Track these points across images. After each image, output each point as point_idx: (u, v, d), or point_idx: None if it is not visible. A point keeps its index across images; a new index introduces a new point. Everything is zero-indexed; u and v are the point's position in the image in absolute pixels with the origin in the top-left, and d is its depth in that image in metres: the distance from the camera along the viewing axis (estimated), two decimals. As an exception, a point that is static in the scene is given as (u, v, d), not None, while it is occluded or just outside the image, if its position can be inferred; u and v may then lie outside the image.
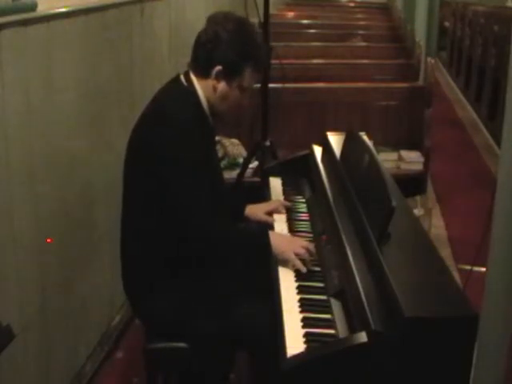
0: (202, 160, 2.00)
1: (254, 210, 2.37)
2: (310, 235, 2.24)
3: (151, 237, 2.02)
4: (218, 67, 2.00)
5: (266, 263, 2.09)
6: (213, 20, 2.05)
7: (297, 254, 2.00)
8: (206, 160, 2.04)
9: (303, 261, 2.00)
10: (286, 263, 2.01)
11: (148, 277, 2.07)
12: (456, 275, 3.28)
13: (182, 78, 2.09)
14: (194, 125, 2.00)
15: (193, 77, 2.06)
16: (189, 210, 1.98)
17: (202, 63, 2.04)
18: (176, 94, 2.07)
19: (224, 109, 2.10)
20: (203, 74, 2.04)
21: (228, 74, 2.02)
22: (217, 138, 3.79)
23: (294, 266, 1.99)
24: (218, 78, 2.02)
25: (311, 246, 2.05)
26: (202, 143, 2.01)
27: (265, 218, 2.34)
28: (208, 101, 2.06)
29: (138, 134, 2.07)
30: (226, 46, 1.99)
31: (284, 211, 2.38)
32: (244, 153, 3.79)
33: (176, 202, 1.97)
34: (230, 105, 2.09)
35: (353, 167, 2.20)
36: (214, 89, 2.03)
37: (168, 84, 2.13)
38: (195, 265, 2.06)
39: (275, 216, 2.35)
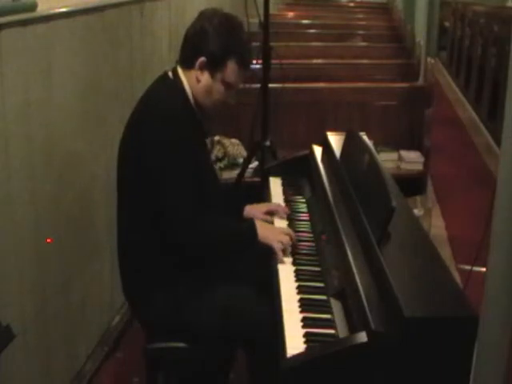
0: (190, 156, 2.00)
1: (252, 211, 2.35)
2: (310, 235, 2.24)
3: (148, 238, 2.02)
4: (202, 58, 2.03)
5: (266, 263, 2.09)
6: (201, 15, 2.10)
7: (280, 242, 2.06)
8: (194, 155, 2.03)
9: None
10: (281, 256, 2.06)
11: (147, 278, 2.06)
12: (456, 275, 3.28)
13: (170, 73, 2.11)
14: (182, 119, 2.01)
15: (179, 70, 2.09)
16: (174, 208, 1.98)
17: (187, 55, 2.07)
18: (163, 89, 2.09)
19: (208, 104, 2.10)
20: (188, 65, 2.07)
21: (211, 66, 2.04)
22: (217, 137, 3.80)
23: (276, 253, 2.05)
24: (201, 68, 2.04)
25: (292, 233, 2.13)
26: (190, 138, 2.01)
27: (263, 217, 2.32)
28: (192, 92, 2.07)
29: (127, 135, 2.07)
30: (210, 38, 2.02)
31: (284, 216, 2.34)
32: (244, 153, 3.79)
33: (162, 200, 1.98)
34: (214, 100, 2.09)
35: (353, 167, 2.20)
36: (198, 80, 2.06)
37: (156, 81, 2.15)
38: (194, 265, 2.06)
39: (276, 220, 2.32)
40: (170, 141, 1.96)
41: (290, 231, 2.15)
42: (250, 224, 2.11)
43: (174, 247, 2.00)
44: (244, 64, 2.09)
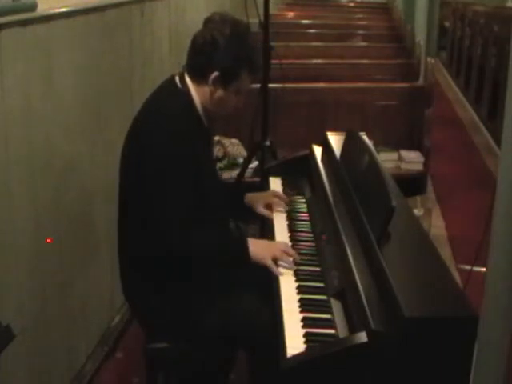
0: (191, 161, 1.97)
1: (253, 200, 2.37)
2: (310, 235, 2.24)
3: (147, 239, 2.01)
4: (215, 73, 1.99)
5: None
6: (209, 23, 2.04)
7: (275, 259, 2.01)
8: (198, 161, 2.01)
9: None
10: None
11: (147, 279, 2.06)
12: (456, 275, 3.28)
13: (177, 79, 2.07)
14: (185, 124, 1.99)
15: (188, 80, 2.05)
16: (168, 215, 1.95)
17: (198, 68, 2.03)
18: (168, 94, 2.06)
19: (220, 113, 2.10)
20: (200, 79, 2.03)
21: (225, 80, 2.01)
22: (217, 137, 3.80)
23: (273, 271, 1.99)
24: (215, 84, 2.01)
25: (289, 248, 2.06)
26: (193, 144, 1.99)
27: (263, 211, 2.36)
28: (203, 105, 2.05)
29: (129, 141, 2.06)
30: (222, 51, 1.98)
31: (283, 208, 2.39)
32: (244, 153, 3.79)
33: (153, 211, 1.96)
34: (226, 109, 2.09)
35: (353, 167, 2.20)
36: (211, 95, 2.03)
37: (162, 85, 2.12)
38: (194, 266, 2.05)
39: (275, 215, 2.35)
40: (170, 147, 1.94)
41: (285, 246, 2.07)
42: (242, 245, 2.04)
43: (159, 252, 1.99)
44: (256, 70, 2.08)
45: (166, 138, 1.95)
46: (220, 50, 1.98)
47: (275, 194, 2.46)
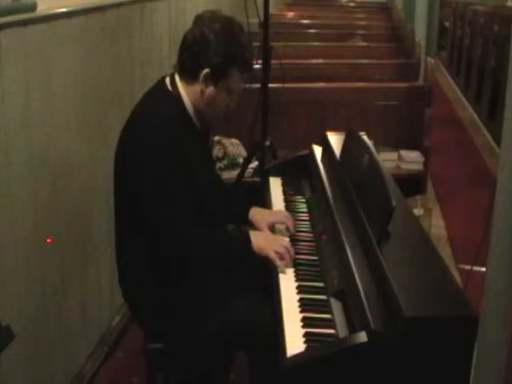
0: (187, 163, 1.96)
1: (259, 218, 2.26)
2: (310, 235, 2.23)
3: (146, 242, 2.01)
4: (206, 70, 1.96)
5: (266, 263, 2.09)
6: (199, 20, 2.01)
7: (277, 253, 2.01)
8: (192, 164, 1.99)
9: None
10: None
11: (147, 280, 2.05)
12: (456, 275, 3.28)
13: (168, 80, 2.05)
14: (176, 127, 1.96)
15: (178, 81, 2.03)
16: (164, 224, 1.95)
17: (188, 66, 2.00)
18: (158, 97, 2.04)
19: (212, 113, 2.07)
20: (190, 77, 2.00)
21: (216, 77, 1.97)
22: (217, 137, 3.80)
23: (275, 263, 2.00)
24: (205, 81, 1.98)
25: (290, 246, 2.05)
26: (188, 146, 1.98)
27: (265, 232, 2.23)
28: (195, 106, 2.03)
29: (122, 142, 2.04)
30: (212, 48, 1.95)
31: (287, 233, 2.23)
32: (244, 153, 3.79)
33: (150, 214, 1.95)
34: (217, 108, 2.06)
35: (353, 167, 2.20)
36: (202, 93, 1.99)
37: (152, 88, 2.09)
38: (195, 265, 2.05)
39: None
40: (165, 150, 1.93)
41: (287, 244, 2.06)
42: (244, 237, 2.04)
43: (167, 259, 1.99)
44: (247, 68, 2.04)
45: (160, 140, 1.93)
46: (210, 46, 1.95)
47: (285, 218, 2.25)
